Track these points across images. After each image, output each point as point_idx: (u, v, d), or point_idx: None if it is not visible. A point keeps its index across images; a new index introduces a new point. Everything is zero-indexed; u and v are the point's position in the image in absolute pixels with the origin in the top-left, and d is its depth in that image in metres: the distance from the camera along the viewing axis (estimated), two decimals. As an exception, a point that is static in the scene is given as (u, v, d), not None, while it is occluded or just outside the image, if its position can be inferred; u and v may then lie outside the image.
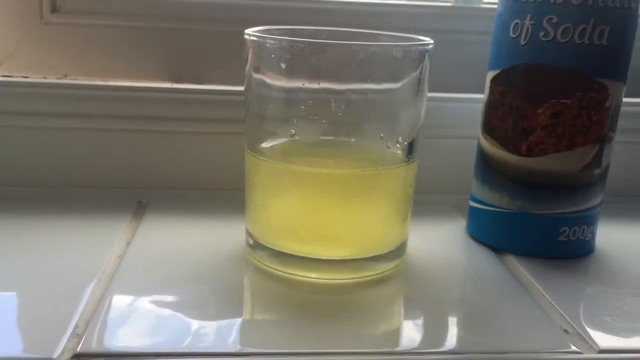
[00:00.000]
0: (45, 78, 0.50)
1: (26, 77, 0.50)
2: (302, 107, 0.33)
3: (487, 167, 0.38)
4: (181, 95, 0.45)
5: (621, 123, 0.38)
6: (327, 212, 0.34)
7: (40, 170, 0.45)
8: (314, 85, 0.32)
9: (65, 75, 0.51)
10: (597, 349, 0.29)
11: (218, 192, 0.45)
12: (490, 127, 0.38)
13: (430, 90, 0.45)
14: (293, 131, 0.34)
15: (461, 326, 0.32)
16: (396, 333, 0.31)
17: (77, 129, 0.45)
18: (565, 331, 0.31)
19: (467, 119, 0.44)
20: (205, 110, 0.45)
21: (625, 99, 0.38)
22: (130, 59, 0.50)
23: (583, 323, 0.31)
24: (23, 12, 0.49)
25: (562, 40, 0.34)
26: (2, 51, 0.49)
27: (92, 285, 0.32)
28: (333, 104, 0.32)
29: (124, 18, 0.49)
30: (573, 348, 0.29)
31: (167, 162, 0.46)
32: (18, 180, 0.45)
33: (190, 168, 0.46)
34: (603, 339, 0.30)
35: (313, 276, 0.34)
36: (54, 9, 0.49)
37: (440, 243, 0.40)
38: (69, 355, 0.27)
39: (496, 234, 0.39)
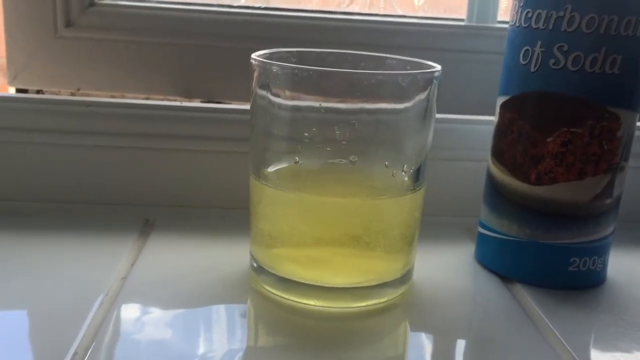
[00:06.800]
0: (59, 92, 0.51)
1: (40, 92, 0.51)
2: (306, 133, 0.32)
3: (496, 193, 0.38)
4: (190, 114, 0.45)
5: (637, 148, 0.37)
6: (330, 239, 0.34)
7: (50, 186, 0.45)
8: (318, 113, 0.32)
9: (78, 89, 0.51)
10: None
11: (226, 210, 0.45)
12: (499, 152, 0.37)
13: (445, 111, 0.44)
14: (297, 158, 0.33)
15: (465, 358, 0.31)
16: (399, 363, 0.31)
17: (85, 146, 0.45)
18: (570, 367, 0.30)
19: (482, 140, 0.43)
20: (215, 128, 0.45)
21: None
22: (142, 73, 0.50)
23: (590, 358, 0.31)
24: (37, 26, 0.49)
25: (572, 69, 0.33)
26: (17, 64, 0.50)
27: (93, 310, 0.32)
28: (337, 132, 0.32)
29: (136, 33, 0.50)
30: (577, 386, 0.29)
31: (175, 180, 0.46)
32: (27, 195, 0.45)
33: (199, 186, 0.46)
34: (609, 377, 0.29)
35: (315, 304, 0.33)
36: (68, 24, 0.50)
37: (448, 269, 0.39)
38: (65, 384, 0.27)
39: (504, 262, 0.38)
